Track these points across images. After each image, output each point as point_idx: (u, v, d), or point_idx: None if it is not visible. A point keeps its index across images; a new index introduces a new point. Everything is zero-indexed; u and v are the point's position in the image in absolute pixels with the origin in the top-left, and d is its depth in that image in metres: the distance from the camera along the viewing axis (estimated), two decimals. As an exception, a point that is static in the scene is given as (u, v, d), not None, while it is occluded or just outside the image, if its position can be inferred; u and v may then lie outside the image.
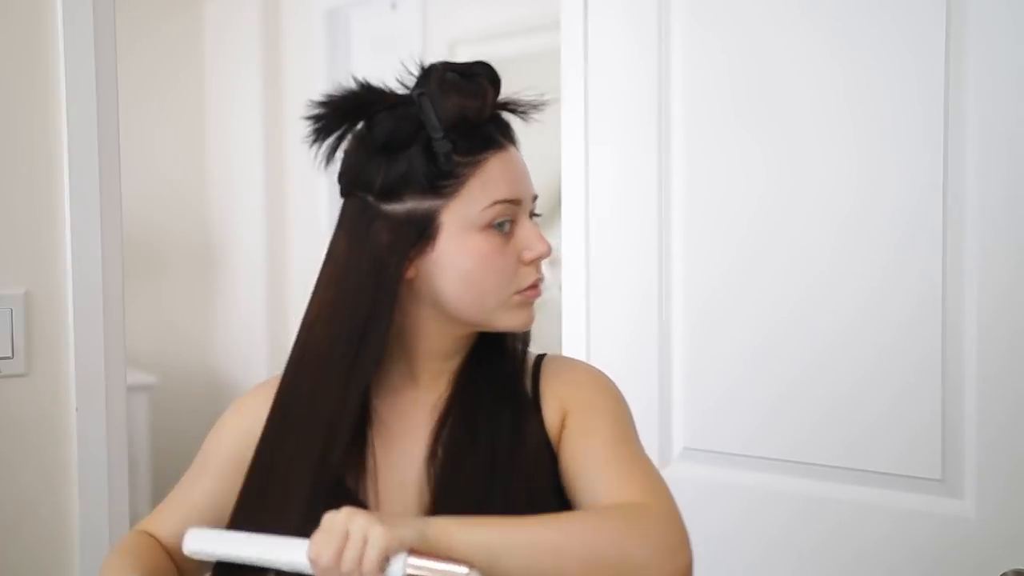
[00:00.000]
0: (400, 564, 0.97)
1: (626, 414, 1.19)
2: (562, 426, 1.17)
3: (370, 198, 1.13)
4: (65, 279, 1.76)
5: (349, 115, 1.15)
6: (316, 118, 1.14)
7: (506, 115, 1.19)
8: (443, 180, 1.12)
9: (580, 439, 1.15)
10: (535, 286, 1.16)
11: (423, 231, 1.12)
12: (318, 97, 1.15)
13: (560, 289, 1.91)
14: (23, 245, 1.75)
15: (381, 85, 1.17)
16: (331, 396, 1.13)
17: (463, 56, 4.41)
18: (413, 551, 0.98)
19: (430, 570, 0.97)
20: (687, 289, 1.74)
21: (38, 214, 1.75)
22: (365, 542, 0.96)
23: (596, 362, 1.81)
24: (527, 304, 1.17)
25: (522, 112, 1.19)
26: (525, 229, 1.16)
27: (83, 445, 1.77)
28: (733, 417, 1.70)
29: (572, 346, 1.85)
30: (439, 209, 1.12)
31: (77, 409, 1.76)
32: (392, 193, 1.13)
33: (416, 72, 1.16)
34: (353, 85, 1.16)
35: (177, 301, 4.54)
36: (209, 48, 4.57)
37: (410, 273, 1.14)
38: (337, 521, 0.98)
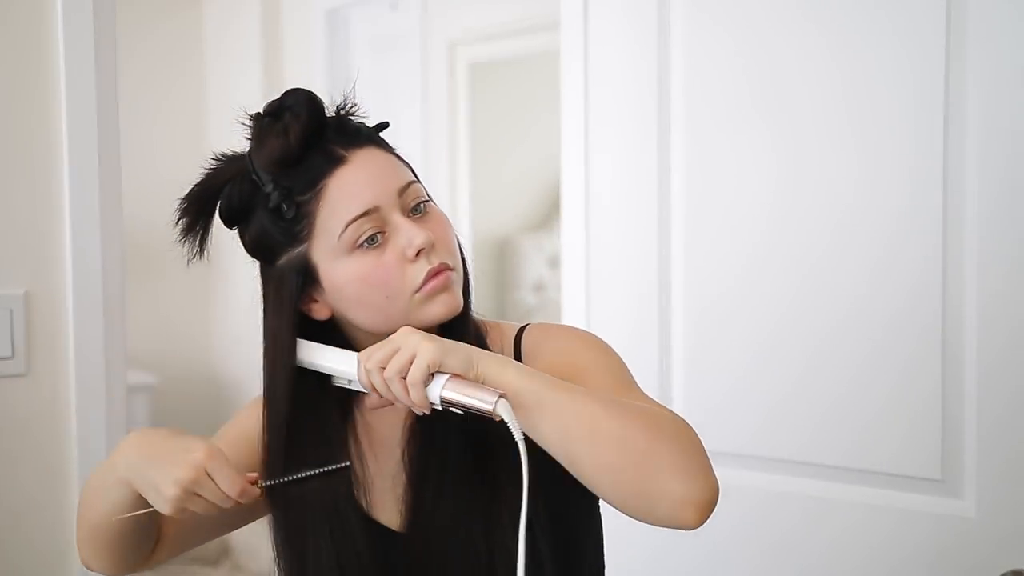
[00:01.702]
0: (439, 384, 1.02)
1: (618, 363, 1.18)
2: None
3: (258, 262, 1.17)
4: (65, 279, 1.76)
5: (204, 207, 1.17)
6: (180, 216, 1.17)
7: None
8: (295, 226, 1.12)
9: None
10: (437, 273, 1.12)
11: (305, 276, 1.13)
12: (182, 194, 1.17)
13: (560, 289, 1.91)
14: (23, 245, 1.74)
15: (234, 153, 1.17)
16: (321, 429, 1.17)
17: (462, 57, 4.42)
18: (456, 375, 1.02)
19: (463, 394, 1.02)
20: (687, 289, 1.74)
21: (38, 214, 1.75)
22: (414, 356, 1.01)
23: (596, 362, 1.82)
24: (435, 294, 1.12)
25: (342, 120, 1.16)
26: (398, 228, 1.12)
27: (83, 445, 1.77)
28: (733, 417, 1.70)
29: (572, 346, 1.85)
30: (307, 252, 1.13)
31: (77, 409, 1.76)
32: (266, 254, 1.15)
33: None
34: (209, 164, 1.17)
35: (177, 301, 4.54)
36: (209, 48, 4.57)
37: (323, 313, 1.16)
38: (395, 336, 1.04)
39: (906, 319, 1.53)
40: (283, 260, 1.14)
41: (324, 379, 1.15)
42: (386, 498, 1.19)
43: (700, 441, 1.04)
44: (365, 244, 1.11)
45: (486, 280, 4.81)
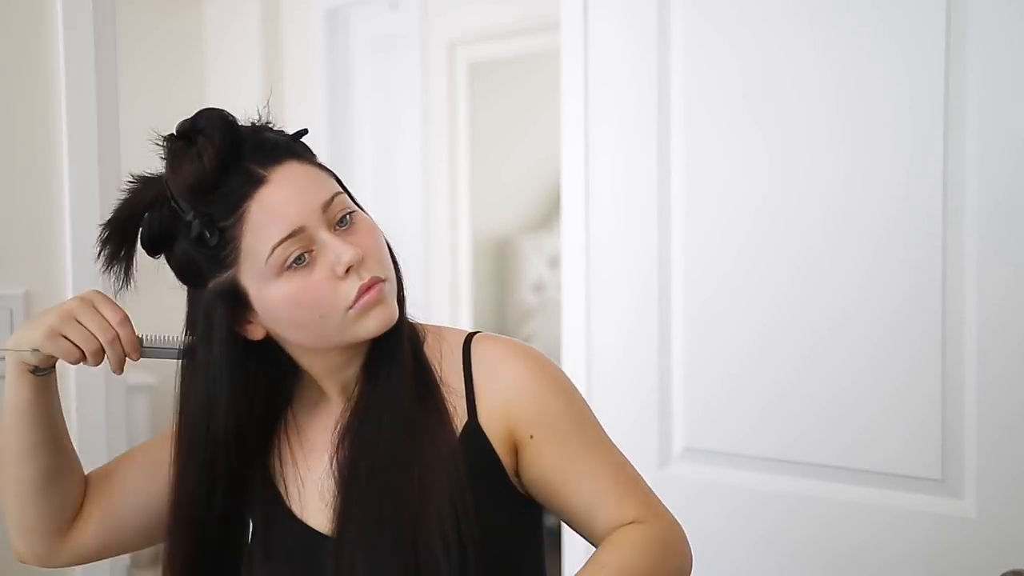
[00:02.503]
0: None
1: (582, 407, 1.17)
2: (512, 439, 1.15)
3: (187, 288, 1.16)
4: (65, 279, 1.76)
5: (126, 234, 1.14)
6: (102, 246, 1.14)
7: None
8: (220, 252, 1.10)
9: (551, 459, 1.14)
10: (369, 289, 1.09)
11: (235, 301, 1.12)
12: (103, 223, 1.14)
13: (560, 289, 1.91)
14: (23, 245, 1.74)
15: (152, 175, 1.14)
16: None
17: (462, 57, 4.41)
18: None
19: None
20: (686, 289, 1.74)
21: (38, 214, 1.75)
22: None
23: (596, 362, 1.82)
24: (369, 309, 1.10)
25: (259, 135, 1.12)
26: (326, 246, 1.09)
27: (83, 445, 1.76)
28: (733, 416, 1.70)
29: (572, 346, 1.85)
30: (235, 277, 1.11)
31: (77, 409, 1.76)
32: (193, 280, 1.14)
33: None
34: (125, 187, 1.14)
35: (177, 301, 4.55)
36: (209, 48, 4.57)
37: (258, 334, 1.15)
38: None
39: (906, 319, 1.53)
40: (212, 284, 1.13)
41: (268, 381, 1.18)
42: (315, 502, 1.19)
43: (670, 518, 1.14)
44: (293, 265, 1.09)
45: (486, 280, 4.81)
